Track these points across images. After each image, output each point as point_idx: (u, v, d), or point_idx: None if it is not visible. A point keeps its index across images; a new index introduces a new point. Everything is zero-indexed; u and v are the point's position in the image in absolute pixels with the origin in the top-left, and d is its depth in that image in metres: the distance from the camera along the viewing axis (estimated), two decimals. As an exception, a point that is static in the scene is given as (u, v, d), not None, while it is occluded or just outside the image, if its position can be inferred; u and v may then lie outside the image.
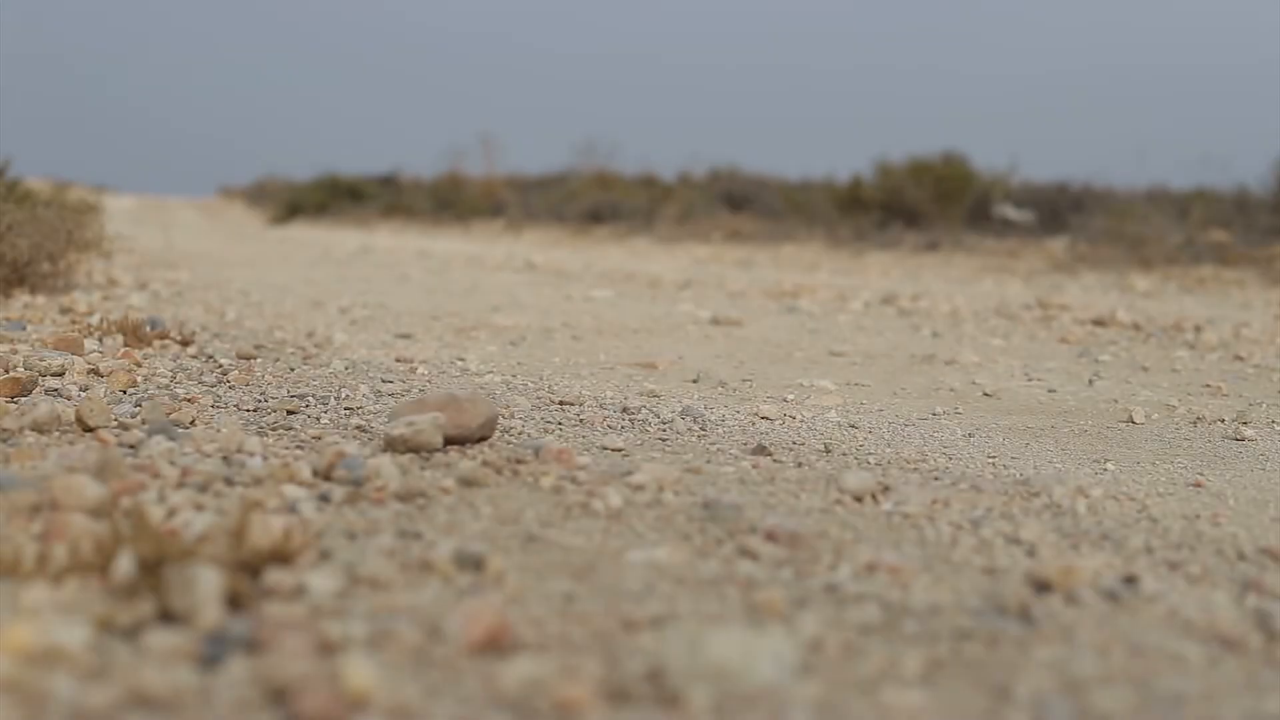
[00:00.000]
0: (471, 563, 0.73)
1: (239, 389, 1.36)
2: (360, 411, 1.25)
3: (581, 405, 1.39)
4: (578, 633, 0.63)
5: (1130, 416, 1.51)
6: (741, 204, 8.24)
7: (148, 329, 1.71)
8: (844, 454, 1.18)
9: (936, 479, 1.08)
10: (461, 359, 1.79)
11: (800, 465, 1.11)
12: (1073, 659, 0.64)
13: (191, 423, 1.13)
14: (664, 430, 1.27)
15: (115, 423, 1.08)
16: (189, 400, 1.25)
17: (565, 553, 0.79)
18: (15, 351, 1.45)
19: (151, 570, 0.64)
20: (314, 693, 0.52)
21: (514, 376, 1.64)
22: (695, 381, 1.70)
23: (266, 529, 0.71)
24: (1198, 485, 1.10)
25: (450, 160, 10.59)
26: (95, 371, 1.37)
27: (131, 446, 1.01)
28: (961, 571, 0.79)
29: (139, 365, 1.45)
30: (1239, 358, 2.27)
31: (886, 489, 1.00)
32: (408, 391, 1.42)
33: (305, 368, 1.59)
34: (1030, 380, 1.90)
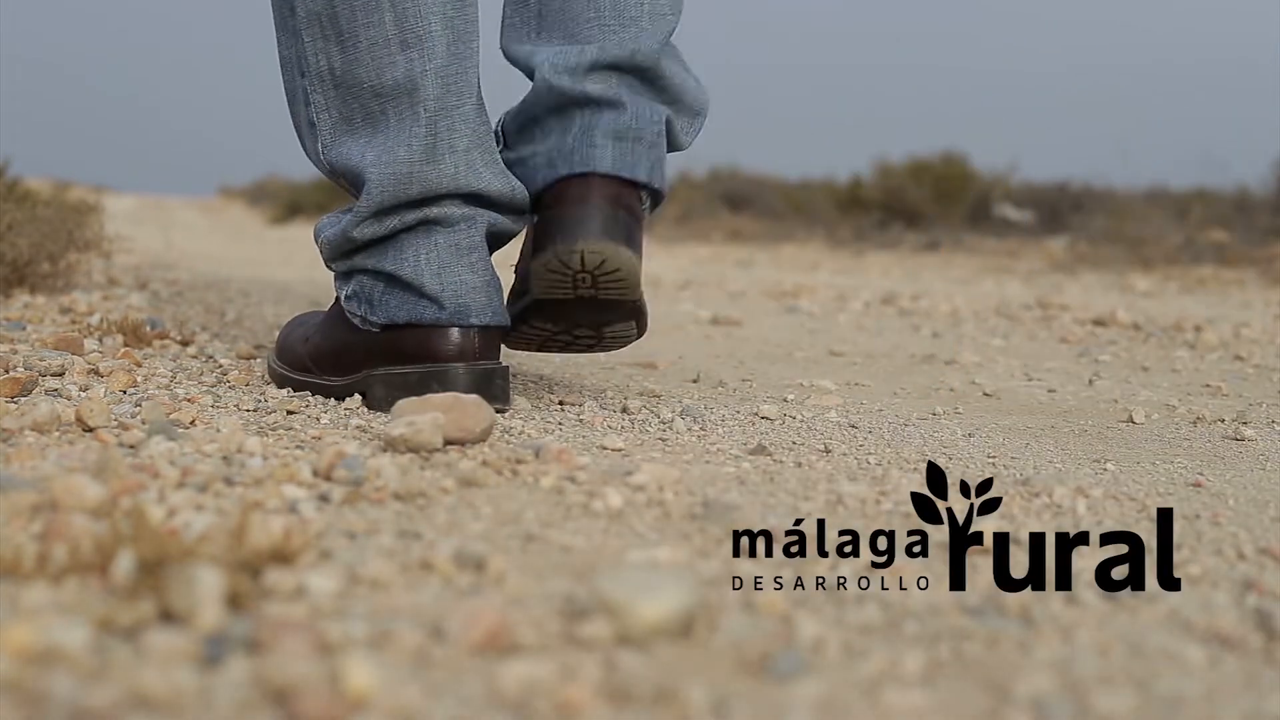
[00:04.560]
0: (472, 563, 0.73)
1: (239, 389, 1.35)
2: (360, 411, 1.25)
3: (581, 405, 1.39)
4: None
5: (1130, 416, 1.51)
6: (741, 204, 8.24)
7: (148, 329, 1.70)
8: (844, 454, 1.18)
9: (936, 479, 1.07)
10: (461, 359, 1.79)
11: (800, 465, 1.11)
12: (1073, 659, 0.64)
13: (191, 423, 1.12)
14: (664, 430, 1.26)
15: (115, 423, 1.08)
16: (189, 400, 1.24)
17: (565, 553, 0.79)
18: (15, 351, 1.45)
19: (151, 570, 0.64)
20: (314, 694, 0.52)
21: (514, 376, 1.64)
22: (695, 381, 1.70)
23: (266, 529, 0.71)
24: (1198, 485, 1.10)
25: (450, 160, 10.58)
26: (95, 371, 1.37)
27: (131, 446, 1.01)
28: (962, 572, 0.78)
29: (139, 365, 1.45)
30: (1239, 358, 2.27)
31: (885, 493, 1.00)
32: (408, 391, 1.41)
33: (305, 368, 1.58)
34: (1030, 380, 1.90)
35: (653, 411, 1.37)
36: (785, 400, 1.55)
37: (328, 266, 1.30)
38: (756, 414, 1.39)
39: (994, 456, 1.22)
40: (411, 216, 1.20)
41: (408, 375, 1.20)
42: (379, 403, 1.24)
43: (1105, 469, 1.17)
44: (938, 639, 0.66)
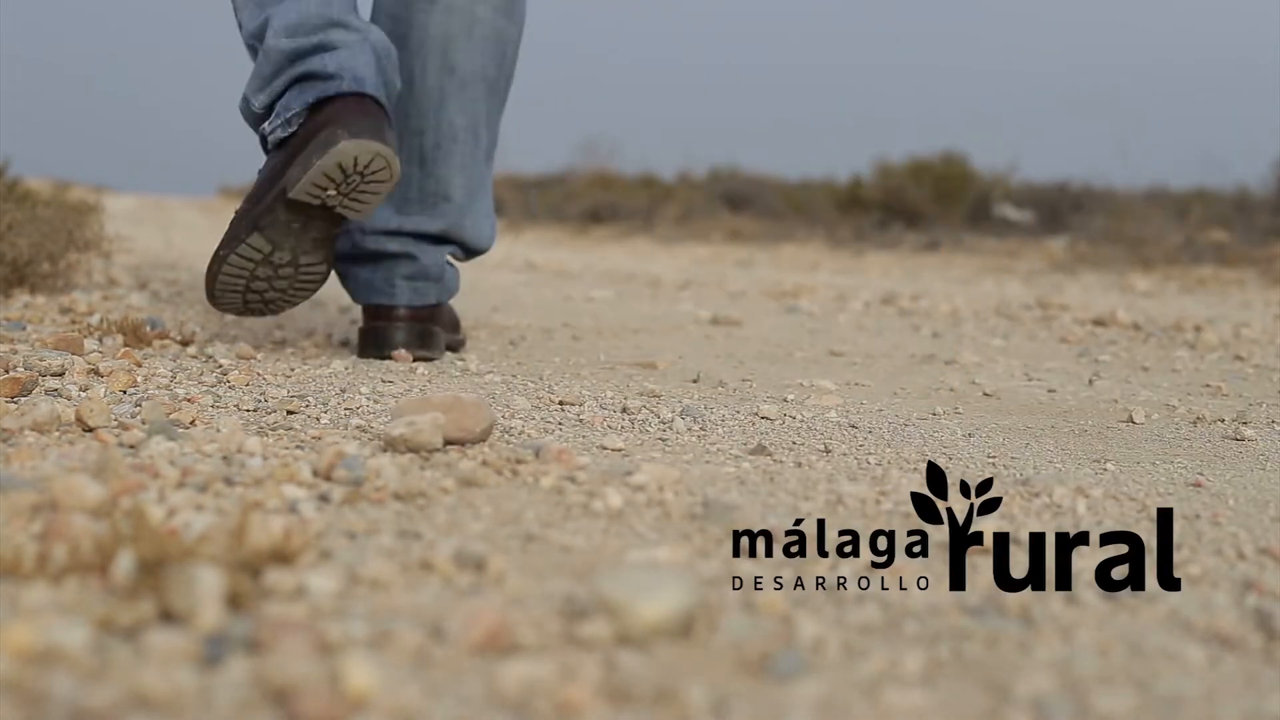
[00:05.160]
0: (472, 563, 0.73)
1: (239, 389, 1.35)
2: (360, 411, 1.25)
3: (581, 405, 1.39)
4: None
5: (1130, 416, 1.51)
6: (741, 204, 8.25)
7: (148, 329, 1.70)
8: (844, 454, 1.18)
9: (936, 479, 1.07)
10: (461, 359, 1.79)
11: (800, 465, 1.11)
12: (1073, 659, 0.64)
13: (191, 423, 1.12)
14: (664, 430, 1.26)
15: (115, 423, 1.08)
16: (189, 400, 1.24)
17: (565, 553, 0.79)
18: (15, 351, 1.45)
19: (151, 570, 0.64)
20: (314, 694, 0.52)
21: (514, 376, 1.64)
22: (695, 381, 1.70)
23: (266, 529, 0.71)
24: (1198, 485, 1.10)
25: (450, 160, 10.57)
26: (95, 371, 1.36)
27: (131, 446, 1.01)
28: (962, 572, 0.78)
29: (139, 365, 1.45)
30: (1239, 358, 2.27)
31: (885, 493, 1.00)
32: (408, 391, 1.41)
33: (305, 368, 1.58)
34: (1030, 380, 1.90)
35: (653, 411, 1.37)
36: (785, 400, 1.55)
37: (251, 110, 1.54)
38: (756, 414, 1.39)
39: (994, 456, 1.22)
40: (318, 36, 1.47)
41: (319, 135, 1.43)
42: (312, 164, 1.42)
43: (1105, 469, 1.17)
44: (938, 639, 0.66)
